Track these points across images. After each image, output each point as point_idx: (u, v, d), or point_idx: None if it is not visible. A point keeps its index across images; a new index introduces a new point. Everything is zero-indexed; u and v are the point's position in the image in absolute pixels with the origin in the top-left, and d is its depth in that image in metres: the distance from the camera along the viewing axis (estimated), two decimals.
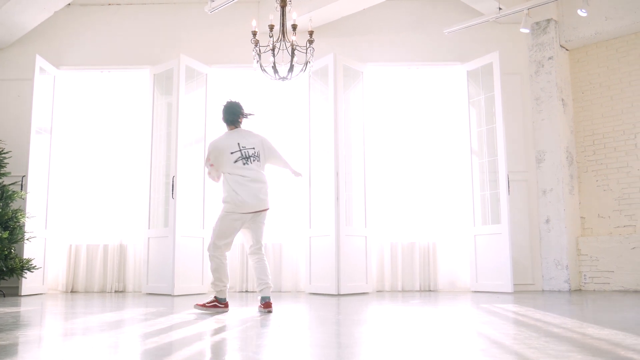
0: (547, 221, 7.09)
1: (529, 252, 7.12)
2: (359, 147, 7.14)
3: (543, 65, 7.33)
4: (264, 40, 5.68)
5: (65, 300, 6.04)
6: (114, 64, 7.55)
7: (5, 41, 7.34)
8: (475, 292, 6.86)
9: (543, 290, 6.96)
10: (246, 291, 7.24)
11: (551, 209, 7.09)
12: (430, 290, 7.15)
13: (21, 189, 6.69)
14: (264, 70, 5.60)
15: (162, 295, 6.57)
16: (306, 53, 5.55)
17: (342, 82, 7.01)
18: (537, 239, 7.15)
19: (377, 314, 4.39)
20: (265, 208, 4.73)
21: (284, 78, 5.57)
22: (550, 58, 7.29)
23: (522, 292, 6.69)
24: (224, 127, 4.87)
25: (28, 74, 7.01)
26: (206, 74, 7.37)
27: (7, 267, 6.12)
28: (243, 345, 2.84)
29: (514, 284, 6.67)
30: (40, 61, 7.02)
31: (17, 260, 6.22)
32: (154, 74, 7.38)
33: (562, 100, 7.31)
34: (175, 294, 6.53)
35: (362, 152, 7.12)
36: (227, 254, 4.76)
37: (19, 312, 4.54)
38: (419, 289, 7.19)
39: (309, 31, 5.49)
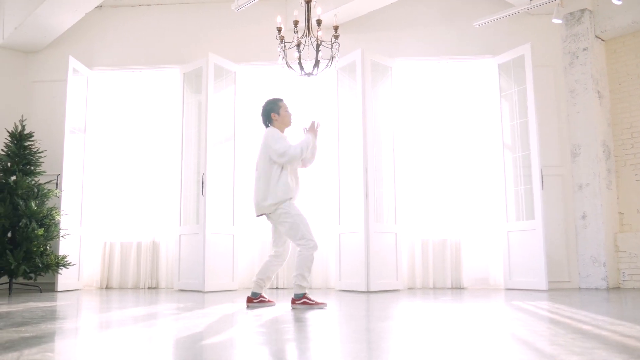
0: (584, 217, 6.90)
1: (565, 248, 6.94)
2: (389, 143, 7.07)
3: (577, 57, 7.13)
4: (291, 36, 5.66)
5: (100, 295, 6.15)
6: (144, 63, 7.65)
7: (39, 43, 7.51)
8: (508, 289, 6.71)
9: (580, 288, 6.78)
10: (277, 288, 7.25)
11: (587, 205, 6.89)
12: (462, 288, 7.03)
13: (56, 188, 6.84)
14: (289, 66, 5.59)
15: (193, 292, 6.63)
16: (331, 48, 5.52)
17: (370, 78, 6.95)
18: (573, 236, 6.96)
19: (405, 311, 4.33)
20: (258, 214, 4.70)
21: (309, 74, 5.55)
22: (585, 49, 7.08)
23: (557, 289, 6.52)
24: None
25: (62, 75, 7.18)
26: (235, 72, 7.41)
27: (42, 263, 6.27)
28: (270, 339, 2.83)
29: (549, 282, 6.50)
30: (73, 62, 7.16)
31: (52, 256, 6.36)
32: (184, 73, 7.45)
33: (598, 92, 7.10)
34: (205, 290, 6.58)
35: (391, 148, 7.05)
36: (279, 253, 4.82)
37: (55, 305, 4.63)
38: (450, 287, 7.08)
39: (334, 26, 5.47)
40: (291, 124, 4.81)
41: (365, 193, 6.61)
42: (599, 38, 7.27)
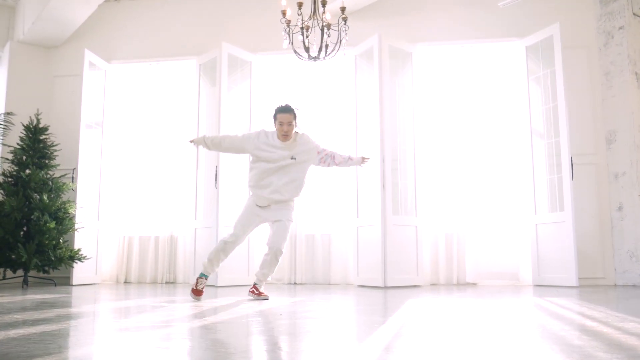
0: (620, 208, 6.40)
1: (599, 242, 6.45)
2: (409, 132, 6.75)
3: (613, 37, 6.63)
4: (301, 21, 5.41)
5: (109, 289, 6.07)
6: (162, 55, 7.56)
7: (58, 38, 7.53)
8: (537, 286, 6.29)
9: (615, 285, 6.29)
10: (294, 283, 7.04)
11: (624, 195, 6.39)
12: (487, 284, 6.64)
13: (72, 181, 6.82)
14: (295, 51, 5.37)
15: (206, 286, 6.47)
16: (338, 31, 5.26)
17: (388, 64, 6.64)
18: (609, 229, 6.47)
19: (400, 307, 4.04)
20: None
21: (315, 58, 5.31)
22: (621, 28, 6.58)
23: (590, 286, 6.05)
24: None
25: (80, 69, 7.14)
26: (250, 62, 7.22)
27: (55, 257, 6.24)
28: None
29: (583, 278, 6.09)
30: (89, 56, 7.13)
31: (65, 250, 6.33)
32: (200, 64, 7.32)
33: (636, 74, 6.58)
34: (218, 284, 6.43)
35: (412, 137, 6.74)
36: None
37: (49, 298, 4.56)
38: (475, 282, 6.70)
39: (340, 7, 5.20)
40: (281, 139, 4.76)
41: (382, 184, 6.32)
42: (637, 16, 6.73)
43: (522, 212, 6.67)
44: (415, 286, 6.36)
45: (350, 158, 5.03)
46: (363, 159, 5.09)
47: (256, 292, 4.79)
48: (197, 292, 4.69)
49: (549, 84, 6.50)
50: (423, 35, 7.05)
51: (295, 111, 4.77)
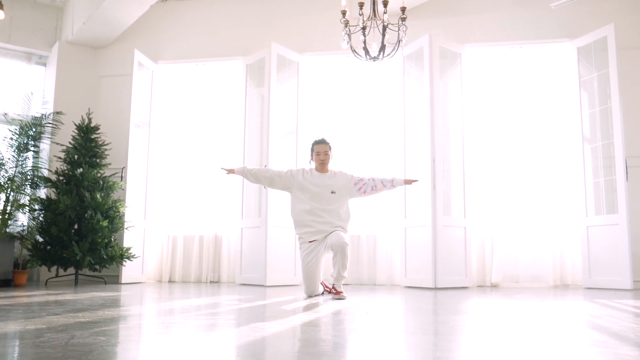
0: None
1: None
2: (458, 133, 6.73)
3: None
4: (356, 21, 5.43)
5: (161, 288, 6.11)
6: (208, 56, 7.61)
7: (107, 38, 7.61)
8: (588, 288, 6.24)
9: None
10: (346, 284, 7.02)
11: None
12: (535, 286, 6.60)
13: (121, 180, 6.88)
14: (354, 51, 5.38)
15: (254, 286, 6.51)
16: (398, 31, 5.26)
17: (439, 65, 6.63)
18: None
19: (471, 308, 4.03)
20: None
21: (375, 58, 5.31)
22: None
23: None
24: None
25: (128, 69, 7.23)
26: (298, 62, 7.24)
27: (107, 255, 6.29)
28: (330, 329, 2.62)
29: (635, 281, 6.00)
30: (138, 56, 7.20)
31: (116, 248, 6.38)
32: (247, 65, 7.36)
33: None
34: (267, 284, 6.44)
35: (460, 139, 6.71)
36: None
37: (117, 295, 4.60)
38: (522, 284, 6.65)
39: (401, 7, 5.20)
40: (321, 168, 5.07)
41: (432, 184, 6.30)
42: None
43: (572, 214, 6.62)
44: (463, 287, 6.33)
45: (393, 180, 5.02)
46: (408, 180, 5.10)
47: (334, 291, 4.91)
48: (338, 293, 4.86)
49: (601, 86, 6.45)
50: (472, 36, 7.03)
51: (330, 143, 5.06)
